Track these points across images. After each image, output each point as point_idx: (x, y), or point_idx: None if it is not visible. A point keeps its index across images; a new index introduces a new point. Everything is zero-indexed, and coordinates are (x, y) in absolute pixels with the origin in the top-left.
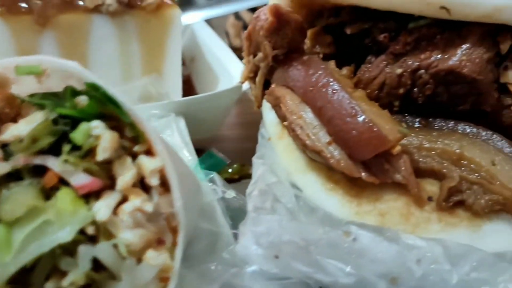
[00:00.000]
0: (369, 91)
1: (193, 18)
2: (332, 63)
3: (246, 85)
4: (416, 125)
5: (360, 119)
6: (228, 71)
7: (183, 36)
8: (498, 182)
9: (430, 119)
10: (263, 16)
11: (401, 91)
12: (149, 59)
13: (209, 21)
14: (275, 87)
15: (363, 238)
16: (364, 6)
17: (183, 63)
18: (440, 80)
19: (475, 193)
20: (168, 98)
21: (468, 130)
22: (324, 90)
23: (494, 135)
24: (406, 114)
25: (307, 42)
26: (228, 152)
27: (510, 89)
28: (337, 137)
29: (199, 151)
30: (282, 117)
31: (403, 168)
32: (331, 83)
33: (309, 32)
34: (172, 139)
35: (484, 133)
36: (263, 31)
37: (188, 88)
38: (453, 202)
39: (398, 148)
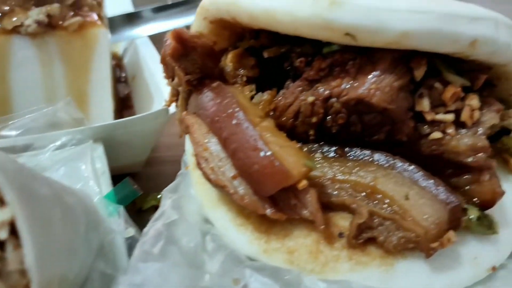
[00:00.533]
0: (284, 118)
1: (142, 32)
2: (240, 90)
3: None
4: (331, 155)
5: (262, 153)
6: (162, 91)
7: (127, 52)
8: (410, 218)
9: (347, 149)
10: (168, 41)
11: (314, 119)
12: (73, 81)
13: (157, 36)
14: (186, 114)
15: (255, 285)
16: (273, 31)
17: (126, 81)
18: (352, 109)
19: (387, 230)
20: (91, 123)
21: (383, 161)
22: (229, 120)
23: (411, 166)
24: (322, 143)
25: (230, 65)
26: (166, 175)
27: (426, 118)
28: (241, 171)
29: (131, 175)
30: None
31: (310, 203)
32: (236, 113)
33: (231, 54)
34: (84, 169)
35: (400, 164)
36: (169, 56)
37: (128, 107)
38: (364, 239)
39: (304, 183)
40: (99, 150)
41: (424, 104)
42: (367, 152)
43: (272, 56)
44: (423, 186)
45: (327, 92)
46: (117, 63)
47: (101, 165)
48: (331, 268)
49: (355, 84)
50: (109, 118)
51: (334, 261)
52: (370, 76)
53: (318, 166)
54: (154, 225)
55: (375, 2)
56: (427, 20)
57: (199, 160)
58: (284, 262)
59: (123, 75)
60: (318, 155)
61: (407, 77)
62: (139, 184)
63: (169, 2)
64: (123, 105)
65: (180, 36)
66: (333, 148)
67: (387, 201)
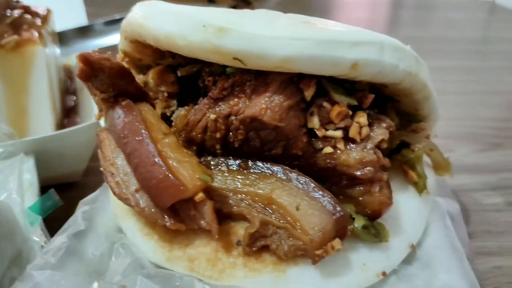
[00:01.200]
0: (194, 133)
1: (93, 45)
2: (150, 108)
3: None
4: (236, 168)
5: (159, 168)
6: None
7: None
8: (299, 227)
9: (250, 162)
10: (78, 62)
11: (218, 135)
12: (12, 97)
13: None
14: (100, 130)
15: None
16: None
17: (75, 92)
18: (249, 126)
19: (280, 238)
20: (31, 135)
21: (281, 174)
22: (132, 136)
23: (305, 178)
24: (229, 157)
25: (151, 81)
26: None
27: (318, 134)
28: (143, 185)
29: (71, 185)
30: None
31: (206, 214)
32: (140, 130)
33: (152, 71)
34: (11, 181)
35: (295, 177)
36: (78, 77)
37: (74, 117)
38: (258, 247)
39: (200, 196)
40: (30, 163)
41: (314, 122)
42: (268, 165)
43: (186, 74)
44: (314, 197)
45: (227, 110)
46: (69, 75)
47: (31, 176)
48: (228, 274)
49: (250, 104)
50: (48, 130)
51: (231, 268)
52: (262, 96)
53: (222, 178)
54: (60, 235)
55: (260, 30)
56: (306, 46)
57: (106, 174)
58: (186, 270)
59: (73, 86)
60: (223, 168)
61: (298, 97)
62: (78, 193)
63: (117, 17)
64: (69, 115)
65: (86, 59)
66: (238, 162)
67: (281, 211)
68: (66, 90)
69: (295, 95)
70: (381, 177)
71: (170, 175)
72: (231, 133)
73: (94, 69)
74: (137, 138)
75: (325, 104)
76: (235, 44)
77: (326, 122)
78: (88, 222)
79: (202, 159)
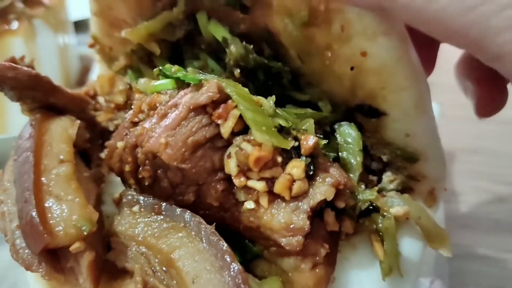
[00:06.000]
0: (112, 162)
1: None
2: (60, 124)
3: None
4: (148, 211)
5: (28, 206)
6: None
7: None
8: None
9: (164, 205)
10: None
11: (127, 168)
12: None
13: None
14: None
15: None
16: None
17: None
18: (154, 162)
19: None
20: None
21: (194, 227)
22: (21, 161)
23: (219, 241)
24: (149, 196)
25: (98, 89)
26: None
27: (235, 184)
28: (20, 223)
29: None
30: None
31: (83, 269)
32: (28, 154)
33: (102, 77)
34: None
35: (208, 235)
36: None
37: None
38: None
39: (77, 246)
40: None
41: (231, 167)
42: (184, 213)
43: None
44: (219, 269)
45: (133, 140)
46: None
47: None
48: None
49: (154, 133)
50: None
51: None
52: (166, 127)
53: (131, 222)
54: None
55: None
56: None
57: None
58: None
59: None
60: (136, 209)
61: (213, 131)
62: None
63: None
64: None
65: None
66: (152, 203)
67: (178, 278)
68: (81, 80)
69: (209, 129)
70: (316, 251)
71: (36, 217)
72: (140, 168)
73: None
74: (23, 165)
75: (244, 145)
76: None
77: (247, 169)
78: None
79: (122, 192)
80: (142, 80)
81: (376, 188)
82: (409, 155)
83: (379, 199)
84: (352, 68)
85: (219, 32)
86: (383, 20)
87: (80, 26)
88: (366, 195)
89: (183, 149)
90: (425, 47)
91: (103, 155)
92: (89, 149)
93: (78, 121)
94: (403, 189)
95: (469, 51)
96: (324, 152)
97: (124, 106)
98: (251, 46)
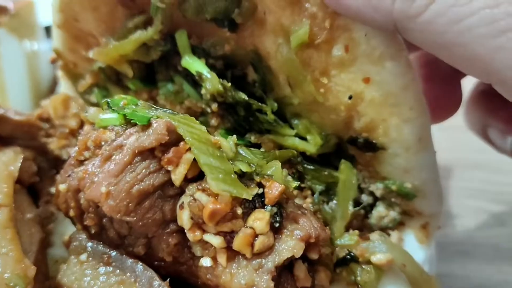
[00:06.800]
0: (58, 201)
1: None
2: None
3: None
4: (97, 260)
5: None
6: None
7: None
8: None
9: (113, 256)
10: None
11: (72, 213)
12: None
13: None
14: None
15: None
16: None
17: None
18: (97, 211)
19: None
20: None
21: (144, 284)
22: None
23: None
24: (99, 242)
25: (52, 112)
26: None
27: (189, 238)
28: None
29: None
30: None
31: None
32: None
33: (55, 99)
34: None
35: None
36: None
37: None
38: None
39: None
40: None
41: (184, 219)
42: (135, 266)
43: None
44: None
45: (76, 183)
46: None
47: None
48: None
49: (96, 178)
50: None
51: None
52: (108, 173)
53: (76, 273)
54: None
55: None
56: None
57: None
58: None
59: None
60: (83, 257)
61: (163, 177)
62: None
63: None
64: None
65: None
66: (100, 250)
67: None
68: (53, 88)
69: (158, 175)
70: None
71: None
72: (85, 215)
73: None
74: None
75: (199, 195)
76: None
77: (203, 221)
78: None
79: (71, 235)
80: (91, 110)
81: (357, 232)
82: (405, 192)
83: (359, 244)
84: (350, 97)
85: (192, 66)
86: (392, 43)
87: (50, 30)
88: (345, 240)
89: (127, 200)
90: (445, 82)
91: (53, 189)
92: (37, 183)
93: (22, 156)
94: (394, 225)
95: (490, 82)
96: (295, 195)
97: (78, 131)
98: (229, 84)
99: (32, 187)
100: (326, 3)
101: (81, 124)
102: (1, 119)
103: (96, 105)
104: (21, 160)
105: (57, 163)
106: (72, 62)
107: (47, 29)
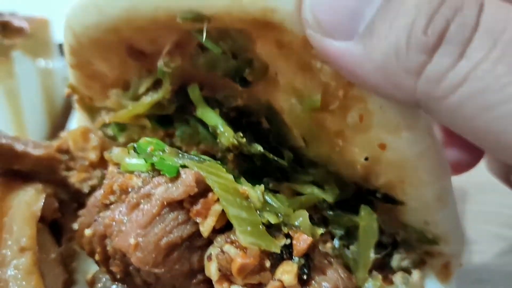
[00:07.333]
0: (83, 241)
1: None
2: (25, 200)
3: None
4: None
5: None
6: None
7: None
8: None
9: None
10: None
11: (97, 257)
12: None
13: None
14: None
15: None
16: None
17: None
18: (124, 259)
19: None
20: None
21: None
22: None
23: None
24: (124, 286)
25: (71, 145)
26: None
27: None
28: None
29: None
30: None
31: None
32: None
33: (73, 132)
34: None
35: None
36: None
37: None
38: None
39: None
40: None
41: (212, 271)
42: None
43: None
44: None
45: (102, 229)
46: None
47: None
48: None
49: (124, 229)
50: None
51: None
52: (137, 223)
53: None
54: None
55: None
56: None
57: None
58: None
59: None
60: None
61: (191, 228)
62: None
63: None
64: None
65: None
66: None
67: None
68: (67, 105)
69: (186, 227)
70: None
71: None
72: (110, 260)
73: None
74: None
75: (227, 247)
76: None
77: (231, 273)
78: None
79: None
80: (115, 150)
81: (380, 277)
82: (427, 240)
83: None
84: (366, 159)
85: (207, 118)
86: (408, 114)
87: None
88: (369, 286)
89: (156, 253)
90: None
91: (76, 226)
92: (60, 218)
93: (44, 194)
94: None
95: None
96: (322, 244)
97: (98, 163)
98: (244, 140)
99: (54, 222)
100: (341, 74)
101: (101, 157)
102: (22, 155)
103: (113, 138)
104: (44, 199)
105: (78, 195)
106: (88, 97)
107: (61, 46)
